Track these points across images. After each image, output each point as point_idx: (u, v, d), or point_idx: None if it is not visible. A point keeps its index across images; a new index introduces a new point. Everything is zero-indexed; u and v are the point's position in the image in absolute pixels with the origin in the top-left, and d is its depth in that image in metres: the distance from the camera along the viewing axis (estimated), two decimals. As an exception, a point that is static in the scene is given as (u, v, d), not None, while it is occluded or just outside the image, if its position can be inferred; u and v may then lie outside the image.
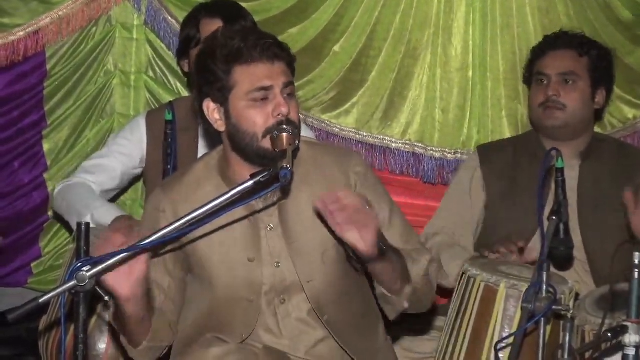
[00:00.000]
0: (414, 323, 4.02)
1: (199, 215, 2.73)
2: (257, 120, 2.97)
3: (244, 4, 4.36)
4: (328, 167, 3.24)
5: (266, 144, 2.94)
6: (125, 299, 2.92)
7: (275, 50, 3.08)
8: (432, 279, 3.30)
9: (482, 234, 4.17)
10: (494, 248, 3.91)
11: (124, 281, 2.95)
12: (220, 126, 3.07)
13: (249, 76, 3.03)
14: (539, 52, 4.09)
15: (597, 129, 4.35)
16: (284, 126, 2.92)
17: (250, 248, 3.20)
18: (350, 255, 3.11)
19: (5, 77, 4.64)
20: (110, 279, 2.86)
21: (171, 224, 2.72)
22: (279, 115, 2.97)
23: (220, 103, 3.03)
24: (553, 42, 4.10)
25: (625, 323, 2.78)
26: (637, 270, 2.77)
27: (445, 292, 4.10)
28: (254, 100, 2.98)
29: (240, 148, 3.01)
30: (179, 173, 3.45)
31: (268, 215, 3.21)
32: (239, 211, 3.07)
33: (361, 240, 2.91)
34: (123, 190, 4.68)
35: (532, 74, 4.11)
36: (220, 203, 2.72)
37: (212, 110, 3.06)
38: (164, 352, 3.32)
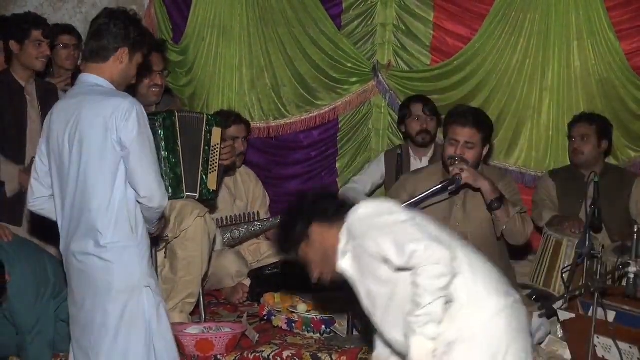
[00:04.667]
0: (521, 258, 5.00)
1: (427, 194, 3.81)
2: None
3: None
4: (492, 178, 4.04)
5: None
6: None
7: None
8: (518, 219, 3.95)
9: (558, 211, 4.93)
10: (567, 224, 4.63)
11: None
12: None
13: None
14: (571, 123, 5.11)
15: (614, 162, 5.42)
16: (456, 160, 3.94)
17: (446, 213, 4.19)
18: (488, 205, 3.94)
19: (319, 129, 6.09)
20: None
21: (412, 197, 3.78)
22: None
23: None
24: (577, 119, 5.11)
25: (628, 261, 3.40)
26: (635, 234, 3.49)
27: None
28: (450, 144, 4.03)
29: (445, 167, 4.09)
30: (416, 171, 4.49)
31: (458, 199, 4.19)
32: (445, 195, 4.05)
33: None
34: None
35: (569, 136, 5.14)
36: (437, 189, 3.85)
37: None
38: None
